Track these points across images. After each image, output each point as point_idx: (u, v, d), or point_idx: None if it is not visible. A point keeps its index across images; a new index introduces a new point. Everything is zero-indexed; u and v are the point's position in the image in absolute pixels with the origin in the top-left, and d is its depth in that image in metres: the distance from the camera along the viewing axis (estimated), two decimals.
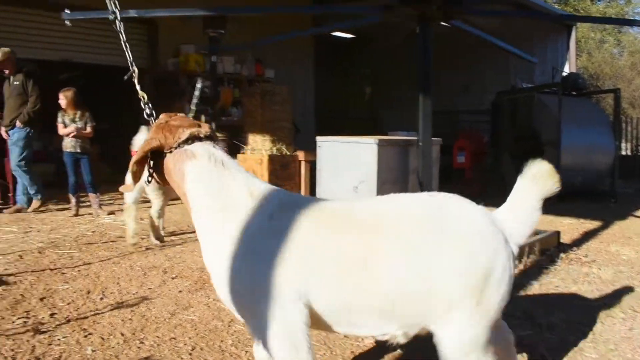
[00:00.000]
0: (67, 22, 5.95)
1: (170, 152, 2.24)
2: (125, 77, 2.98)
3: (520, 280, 4.59)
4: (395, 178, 5.86)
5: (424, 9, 5.51)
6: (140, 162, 2.30)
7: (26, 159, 7.61)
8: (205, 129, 2.30)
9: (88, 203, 7.87)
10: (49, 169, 10.63)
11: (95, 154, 8.81)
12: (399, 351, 3.09)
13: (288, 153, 9.02)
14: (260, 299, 2.01)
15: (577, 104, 10.91)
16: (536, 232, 5.82)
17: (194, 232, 2.51)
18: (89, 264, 5.08)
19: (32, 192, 7.74)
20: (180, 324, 3.58)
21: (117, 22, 3.10)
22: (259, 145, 9.01)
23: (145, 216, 6.01)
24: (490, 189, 9.78)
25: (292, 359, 2.00)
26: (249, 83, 12.54)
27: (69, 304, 3.95)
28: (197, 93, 8.06)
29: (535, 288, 4.43)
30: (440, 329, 2.06)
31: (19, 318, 3.63)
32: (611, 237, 6.62)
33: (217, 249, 2.14)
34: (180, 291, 4.26)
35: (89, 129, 7.55)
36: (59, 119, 7.48)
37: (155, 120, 2.48)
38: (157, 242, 5.83)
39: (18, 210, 7.70)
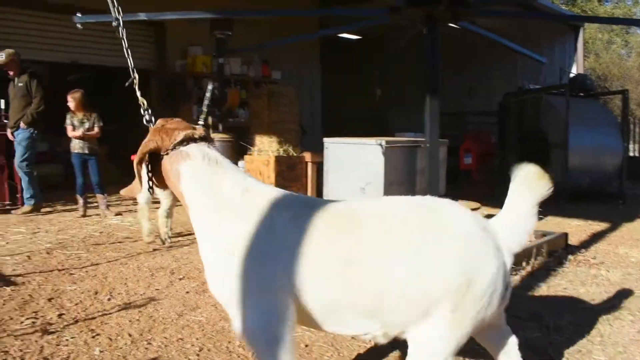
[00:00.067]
0: (79, 25, 5.99)
1: (167, 154, 2.29)
2: (127, 84, 3.01)
3: (528, 282, 4.57)
4: (402, 179, 5.86)
5: (431, 10, 5.51)
6: (141, 164, 2.34)
7: (29, 160, 7.63)
8: (200, 131, 2.35)
9: (96, 204, 7.89)
10: (56, 170, 10.69)
11: (103, 155, 8.84)
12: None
13: (295, 154, 9.02)
14: (248, 293, 2.06)
15: (585, 105, 10.86)
16: (544, 234, 5.80)
17: None
18: (97, 264, 5.10)
19: (26, 195, 7.71)
20: (187, 324, 3.59)
21: (120, 29, 3.12)
22: (266, 147, 9.01)
23: (154, 217, 6.03)
24: (497, 191, 9.72)
25: (271, 352, 2.04)
26: (256, 84, 12.57)
27: (76, 304, 3.96)
28: (208, 95, 8.08)
29: (543, 290, 4.42)
30: (413, 332, 2.06)
31: (27, 318, 3.64)
32: (619, 239, 6.59)
33: (212, 247, 2.19)
34: (187, 292, 4.27)
35: (96, 130, 7.58)
36: (67, 121, 7.51)
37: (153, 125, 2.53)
38: (163, 242, 5.86)
39: (26, 212, 7.73)
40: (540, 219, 7.43)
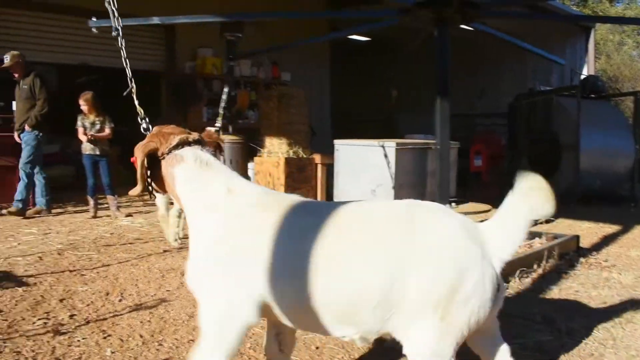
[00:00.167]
0: (94, 30, 6.01)
1: (163, 157, 2.41)
2: (125, 93, 3.08)
3: (540, 285, 4.55)
4: (412, 181, 5.85)
5: (441, 11, 5.50)
6: (144, 164, 2.43)
7: (33, 163, 7.63)
8: (194, 135, 2.48)
9: (106, 205, 7.93)
10: (67, 171, 10.75)
11: (114, 157, 8.88)
12: None
13: (304, 156, 9.02)
14: (214, 291, 2.20)
15: (596, 107, 10.81)
16: (555, 236, 5.77)
17: None
18: (108, 265, 5.12)
19: (17, 197, 7.58)
20: (198, 326, 3.59)
21: (119, 39, 3.18)
22: (276, 148, 9.02)
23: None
24: (507, 193, 9.68)
25: (214, 346, 2.18)
26: (266, 86, 12.58)
27: (88, 305, 3.98)
28: (224, 97, 8.11)
29: (555, 293, 4.39)
30: (403, 339, 2.10)
31: (39, 319, 3.66)
32: (631, 241, 6.54)
33: (195, 244, 2.33)
34: None
35: (107, 131, 7.62)
36: (79, 123, 7.56)
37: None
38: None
39: (37, 212, 7.78)
40: (551, 221, 7.42)
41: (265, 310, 2.19)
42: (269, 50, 10.78)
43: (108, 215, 7.76)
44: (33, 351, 3.13)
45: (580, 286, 4.58)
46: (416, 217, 2.16)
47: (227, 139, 7.59)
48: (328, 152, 8.69)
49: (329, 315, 2.11)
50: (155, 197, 2.54)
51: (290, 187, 8.51)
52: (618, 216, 8.36)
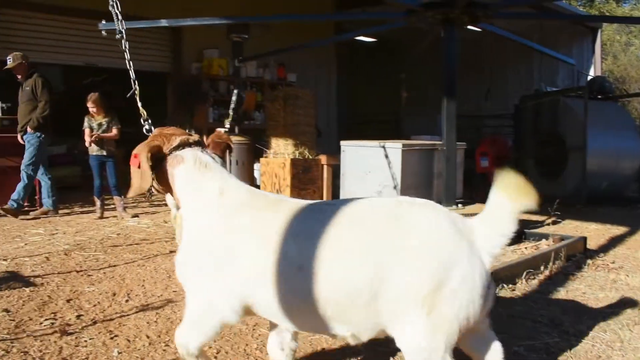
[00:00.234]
0: (104, 33, 6.03)
1: (165, 157, 2.49)
2: (128, 95, 3.12)
3: (547, 287, 4.53)
4: (419, 182, 5.84)
5: (448, 12, 5.49)
6: (148, 161, 2.47)
7: (35, 164, 7.61)
8: (194, 136, 2.57)
9: (113, 206, 7.96)
10: (74, 172, 10.79)
11: (120, 157, 8.91)
12: None
13: (310, 157, 9.02)
14: (197, 289, 2.34)
15: (603, 108, 10.75)
16: (562, 238, 5.75)
17: None
18: (114, 266, 5.13)
19: (14, 196, 7.53)
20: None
21: (123, 42, 3.23)
22: (282, 149, 9.03)
23: (169, 219, 6.05)
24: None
25: (190, 332, 2.34)
26: (272, 87, 12.60)
27: (95, 305, 3.99)
28: (234, 98, 8.14)
29: (562, 294, 4.37)
30: (396, 336, 2.11)
31: (46, 319, 3.67)
32: (639, 243, 6.50)
33: (185, 241, 2.41)
34: None
35: (115, 131, 7.64)
36: (85, 124, 7.58)
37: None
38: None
39: (44, 213, 7.80)
40: (558, 222, 7.40)
41: (249, 309, 2.29)
42: (276, 52, 10.78)
43: (114, 216, 7.78)
44: (40, 351, 3.14)
45: (587, 288, 4.56)
46: (403, 212, 2.17)
47: (233, 139, 7.58)
48: (334, 152, 8.69)
49: (316, 314, 2.14)
50: (152, 196, 2.61)
51: (296, 188, 8.52)
52: (625, 218, 8.33)
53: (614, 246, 6.27)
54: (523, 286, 4.52)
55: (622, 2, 28.22)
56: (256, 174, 9.69)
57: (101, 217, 7.67)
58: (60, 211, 8.05)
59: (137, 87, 3.13)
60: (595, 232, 7.09)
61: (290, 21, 12.07)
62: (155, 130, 2.66)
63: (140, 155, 2.43)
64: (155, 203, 8.98)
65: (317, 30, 13.16)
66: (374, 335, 2.18)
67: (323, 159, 9.17)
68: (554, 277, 4.83)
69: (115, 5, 3.28)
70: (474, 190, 8.55)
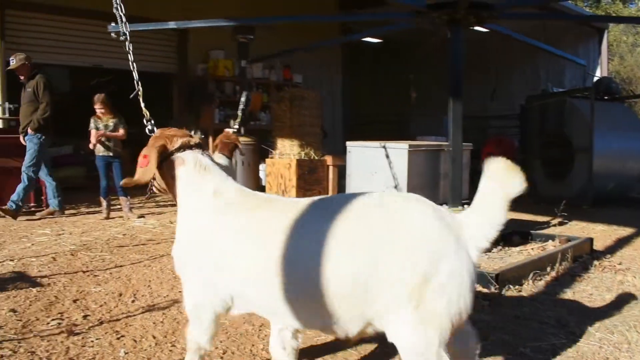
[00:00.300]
0: (113, 35, 6.05)
1: (168, 158, 2.55)
2: (131, 96, 3.15)
3: (553, 288, 4.52)
4: (425, 183, 5.83)
5: (455, 13, 5.48)
6: (157, 160, 2.54)
7: (36, 166, 7.59)
8: (195, 139, 2.64)
9: (119, 206, 7.98)
10: (80, 173, 10.82)
11: (127, 158, 8.94)
12: None
13: (316, 157, 9.03)
14: (190, 284, 2.49)
15: (610, 109, 10.71)
16: (568, 239, 5.73)
17: None
18: (121, 266, 5.14)
19: (13, 197, 7.47)
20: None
21: (127, 43, 3.27)
22: (287, 150, 9.04)
23: (175, 219, 6.06)
24: (520, 195, 9.63)
25: (194, 327, 2.49)
26: (278, 88, 12.62)
27: (101, 306, 4.00)
28: (243, 99, 8.17)
29: (569, 296, 4.36)
30: (387, 332, 2.12)
31: (53, 319, 3.68)
32: None
33: (179, 238, 2.54)
34: None
35: (122, 131, 7.66)
36: (92, 125, 7.60)
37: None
38: None
39: (50, 213, 7.82)
40: (564, 223, 7.37)
41: (239, 304, 2.42)
42: (283, 53, 10.80)
43: (120, 217, 7.80)
44: (47, 351, 3.15)
45: (594, 289, 4.55)
46: (390, 206, 2.18)
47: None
48: (339, 153, 8.69)
49: (303, 308, 2.18)
50: (153, 194, 2.70)
51: (301, 189, 8.52)
52: (632, 219, 8.28)
53: (621, 247, 6.24)
54: (529, 287, 4.50)
55: (629, 3, 28.13)
56: (262, 174, 9.71)
57: (107, 218, 7.69)
58: (67, 212, 8.07)
59: (141, 88, 3.16)
60: (602, 233, 7.06)
61: (296, 23, 12.08)
62: (157, 131, 2.74)
63: (151, 155, 2.49)
64: (162, 204, 9.01)
65: (322, 31, 13.16)
66: (362, 329, 2.18)
67: (329, 159, 9.18)
68: (560, 278, 4.82)
69: (119, 7, 3.31)
70: None
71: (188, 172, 2.52)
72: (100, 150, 7.61)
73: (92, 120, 7.62)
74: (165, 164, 2.55)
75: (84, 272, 4.92)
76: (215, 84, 12.19)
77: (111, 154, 7.64)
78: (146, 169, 2.50)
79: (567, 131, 10.10)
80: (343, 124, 15.28)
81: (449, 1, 5.43)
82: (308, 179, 8.73)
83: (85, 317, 3.75)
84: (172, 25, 6.61)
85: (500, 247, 5.70)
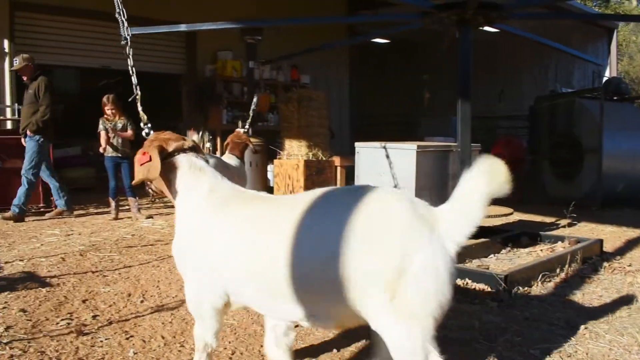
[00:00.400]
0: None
1: (164, 160, 2.60)
2: (130, 99, 3.21)
3: (563, 290, 4.50)
4: (433, 184, 5.81)
5: (463, 14, 5.46)
6: (158, 159, 2.60)
7: (36, 168, 7.57)
8: (188, 142, 2.71)
9: (127, 207, 8.00)
10: (89, 173, 10.88)
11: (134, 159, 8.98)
12: None
13: (324, 158, 9.03)
14: (188, 279, 2.57)
15: (620, 109, 10.65)
16: (578, 240, 5.70)
17: None
18: (129, 267, 5.16)
19: (15, 201, 7.46)
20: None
21: (127, 47, 3.33)
22: (295, 151, 9.04)
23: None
24: (529, 196, 9.64)
25: (198, 322, 2.56)
26: (285, 89, 12.63)
27: (110, 306, 4.02)
28: (255, 100, 8.20)
29: (578, 297, 4.34)
30: (370, 323, 2.14)
31: (62, 319, 3.70)
32: None
33: (178, 235, 2.60)
34: None
35: (130, 132, 7.69)
36: (101, 126, 7.62)
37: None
38: None
39: (59, 214, 7.86)
40: (573, 224, 7.34)
41: (234, 299, 2.48)
42: (291, 55, 10.81)
43: (129, 217, 7.82)
44: (57, 351, 3.16)
45: (604, 291, 4.52)
46: (364, 199, 2.18)
47: None
48: (347, 153, 8.68)
49: (282, 300, 2.24)
50: (154, 197, 2.76)
51: (309, 190, 8.52)
52: None
53: (631, 249, 6.20)
54: (539, 289, 4.48)
55: (638, 3, 27.97)
56: (269, 175, 9.71)
57: (116, 218, 7.73)
58: (75, 212, 8.11)
59: (139, 92, 3.27)
60: (612, 235, 7.02)
61: (304, 24, 12.09)
62: (151, 135, 2.83)
63: (151, 151, 2.56)
64: (169, 204, 9.02)
65: (330, 32, 13.16)
66: (344, 321, 2.26)
67: (336, 160, 9.18)
68: (570, 280, 4.80)
69: (121, 12, 3.35)
70: None
71: (183, 174, 2.59)
72: (109, 151, 7.64)
73: (101, 122, 7.65)
74: (162, 166, 2.60)
75: (93, 272, 4.94)
76: (223, 84, 12.21)
77: (120, 154, 7.67)
78: (150, 164, 2.56)
79: (576, 132, 10.06)
80: (350, 124, 15.28)
81: (458, 1, 5.42)
82: (316, 179, 8.73)
83: (94, 317, 3.77)
84: (183, 27, 6.64)
85: (509, 248, 5.68)
